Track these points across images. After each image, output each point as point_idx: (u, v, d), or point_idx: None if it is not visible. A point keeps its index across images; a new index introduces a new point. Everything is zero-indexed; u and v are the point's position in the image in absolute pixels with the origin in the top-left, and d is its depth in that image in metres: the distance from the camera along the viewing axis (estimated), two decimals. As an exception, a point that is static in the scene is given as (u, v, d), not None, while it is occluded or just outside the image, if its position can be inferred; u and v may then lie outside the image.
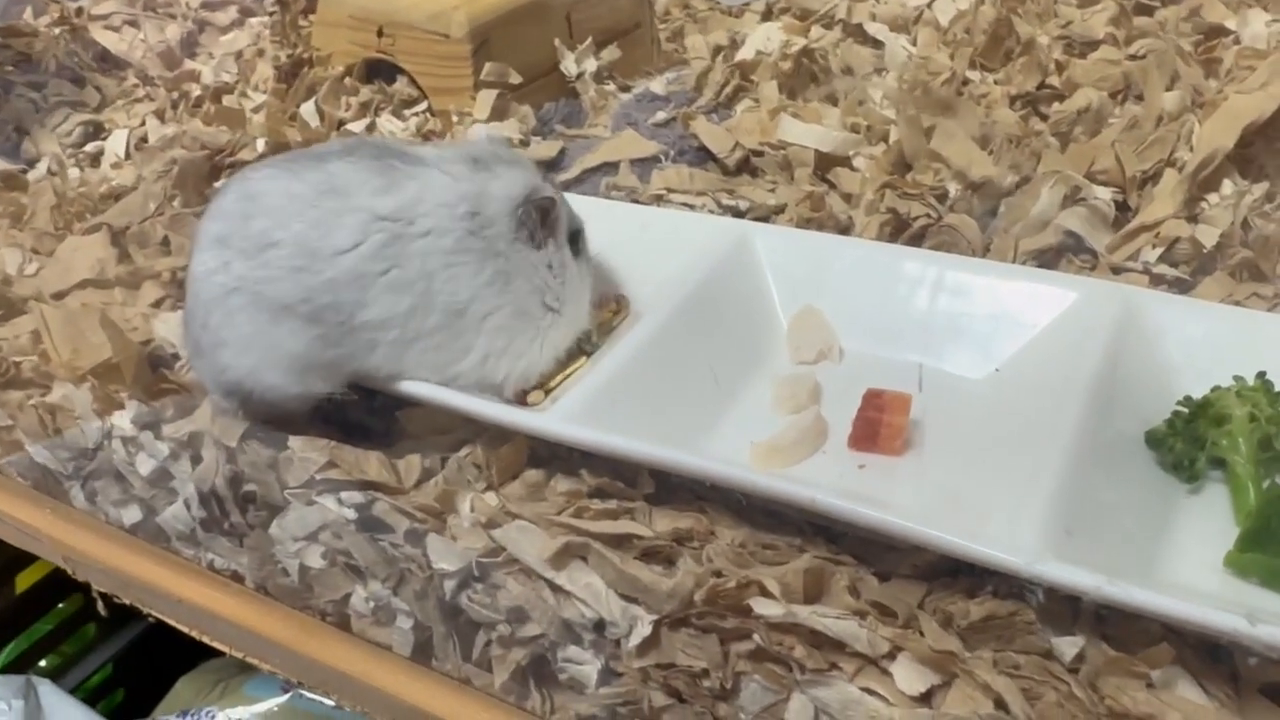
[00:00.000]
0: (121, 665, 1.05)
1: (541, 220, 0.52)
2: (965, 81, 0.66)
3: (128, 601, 0.60)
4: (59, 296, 0.62)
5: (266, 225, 0.49)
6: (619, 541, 0.42)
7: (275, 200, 0.49)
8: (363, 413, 0.52)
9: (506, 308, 0.50)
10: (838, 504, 0.40)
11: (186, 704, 0.94)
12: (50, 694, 0.91)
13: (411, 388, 0.49)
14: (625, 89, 0.90)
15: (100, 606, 0.62)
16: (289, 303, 0.48)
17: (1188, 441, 0.44)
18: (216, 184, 0.66)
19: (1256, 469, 0.43)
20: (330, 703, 0.86)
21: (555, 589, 0.43)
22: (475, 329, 0.50)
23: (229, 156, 0.69)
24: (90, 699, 1.02)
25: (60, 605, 1.05)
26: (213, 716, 0.92)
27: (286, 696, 0.91)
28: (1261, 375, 0.46)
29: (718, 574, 0.40)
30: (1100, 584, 0.35)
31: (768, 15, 0.98)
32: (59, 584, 0.99)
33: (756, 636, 0.39)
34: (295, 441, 0.48)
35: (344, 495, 0.47)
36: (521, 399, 0.52)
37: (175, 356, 0.56)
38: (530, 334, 0.51)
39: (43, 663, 1.06)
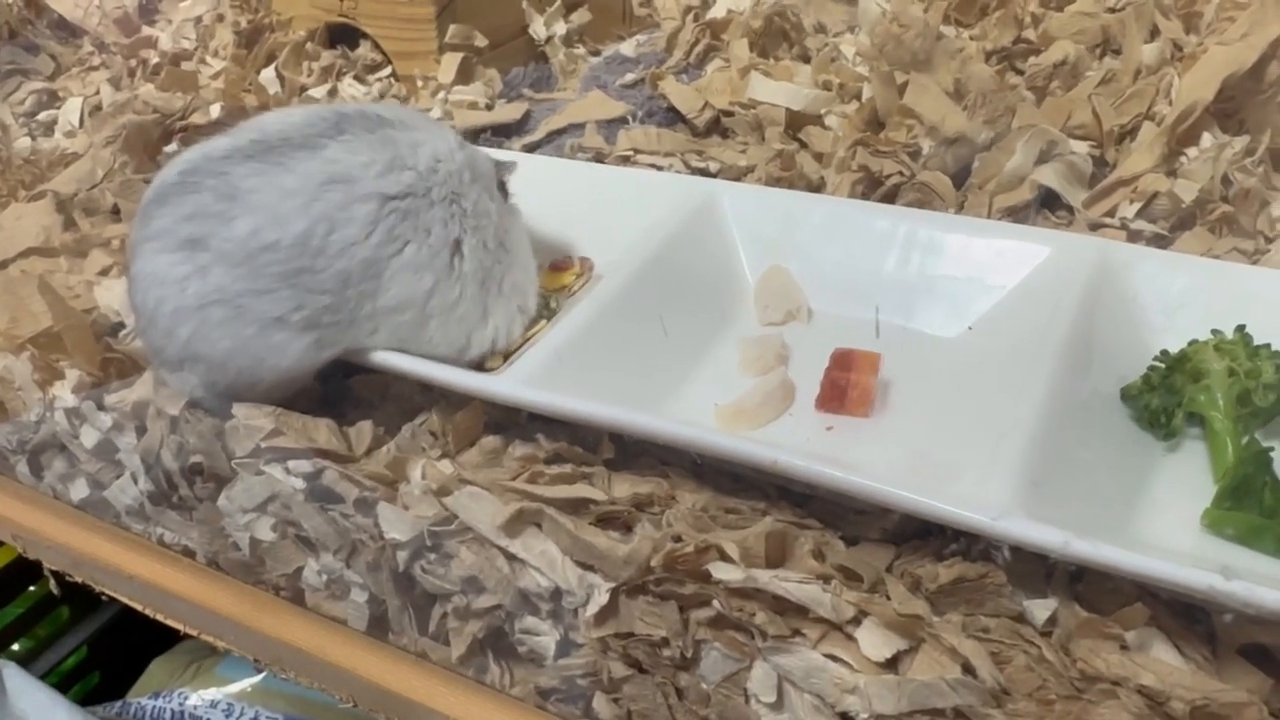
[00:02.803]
0: (96, 648, 1.04)
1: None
2: (939, 36, 0.64)
3: (79, 580, 0.58)
4: (1, 266, 0.59)
5: (257, 226, 0.44)
6: (574, 507, 0.40)
7: (266, 198, 0.45)
8: (313, 379, 0.50)
9: (515, 266, 0.49)
10: (798, 464, 0.38)
11: (159, 686, 0.92)
12: (15, 677, 0.89)
13: (373, 356, 0.47)
14: (596, 53, 0.88)
15: (52, 585, 0.60)
16: (281, 314, 0.45)
17: (1164, 397, 0.43)
18: (167, 149, 0.64)
19: (1235, 424, 0.42)
20: (305, 681, 0.85)
21: (510, 557, 0.41)
22: (496, 293, 0.48)
23: (180, 120, 0.67)
24: (64, 683, 1.01)
25: (31, 588, 1.03)
26: (185, 698, 0.91)
27: (260, 677, 0.90)
28: (1240, 329, 0.44)
29: (676, 539, 0.38)
30: (1068, 540, 0.34)
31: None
32: (29, 567, 0.97)
33: (716, 603, 0.38)
34: (240, 409, 0.46)
35: (292, 464, 0.45)
36: (478, 364, 0.50)
37: (120, 325, 0.54)
38: (533, 293, 0.50)
39: (15, 646, 1.04)
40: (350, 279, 0.45)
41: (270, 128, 0.48)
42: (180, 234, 0.45)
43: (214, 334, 0.45)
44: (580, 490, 0.40)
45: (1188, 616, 0.38)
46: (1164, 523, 0.40)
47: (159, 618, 0.55)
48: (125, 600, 0.56)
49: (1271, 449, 0.41)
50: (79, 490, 0.54)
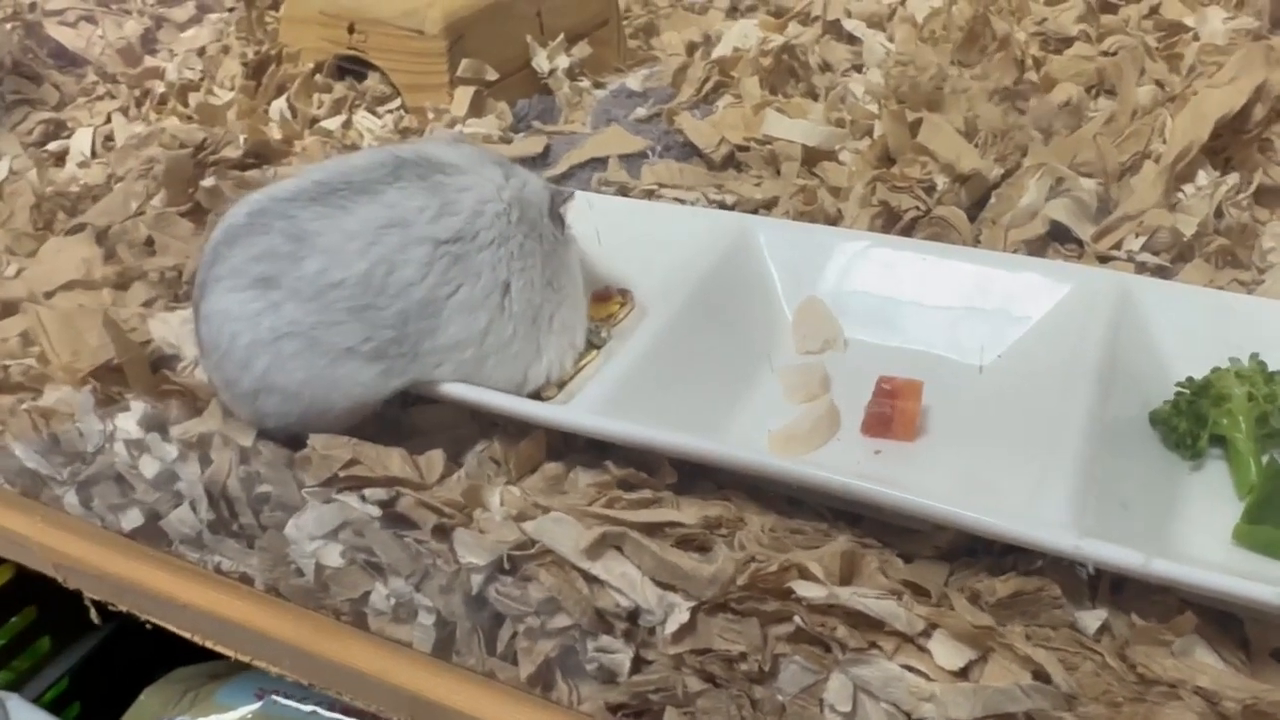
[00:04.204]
0: (78, 678, 1.03)
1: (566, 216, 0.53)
2: (945, 77, 0.68)
3: (124, 609, 0.58)
4: (45, 298, 0.60)
5: (324, 265, 0.47)
6: (654, 530, 0.42)
7: (331, 240, 0.47)
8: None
9: (565, 303, 0.51)
10: (888, 493, 0.41)
11: (154, 715, 0.92)
12: (19, 708, 0.89)
13: (444, 389, 0.49)
14: (598, 85, 0.90)
15: (94, 615, 0.61)
16: (351, 345, 0.47)
17: (1191, 421, 0.46)
18: (204, 183, 0.65)
19: (1256, 445, 0.45)
20: (306, 709, 0.85)
21: (590, 579, 0.43)
22: (546, 330, 0.50)
23: (212, 154, 0.68)
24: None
25: (13, 620, 1.03)
26: (185, 727, 0.91)
27: (260, 704, 0.90)
28: (1254, 357, 0.48)
29: (760, 559, 0.41)
30: (1148, 560, 0.37)
31: (733, 12, 0.99)
32: (10, 598, 0.97)
33: (797, 618, 0.40)
34: (317, 439, 0.47)
35: (368, 493, 0.47)
36: (536, 393, 0.52)
37: (176, 357, 0.55)
38: (582, 327, 0.52)
39: (-5, 678, 1.03)
40: (410, 317, 0.48)
41: (334, 169, 0.50)
42: (252, 272, 0.47)
43: (289, 365, 0.47)
44: (662, 514, 0.42)
45: (1221, 623, 0.41)
46: (1198, 537, 0.43)
47: (209, 645, 0.56)
48: (174, 629, 0.57)
49: (1290, 467, 0.45)
50: (132, 519, 0.55)
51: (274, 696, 0.87)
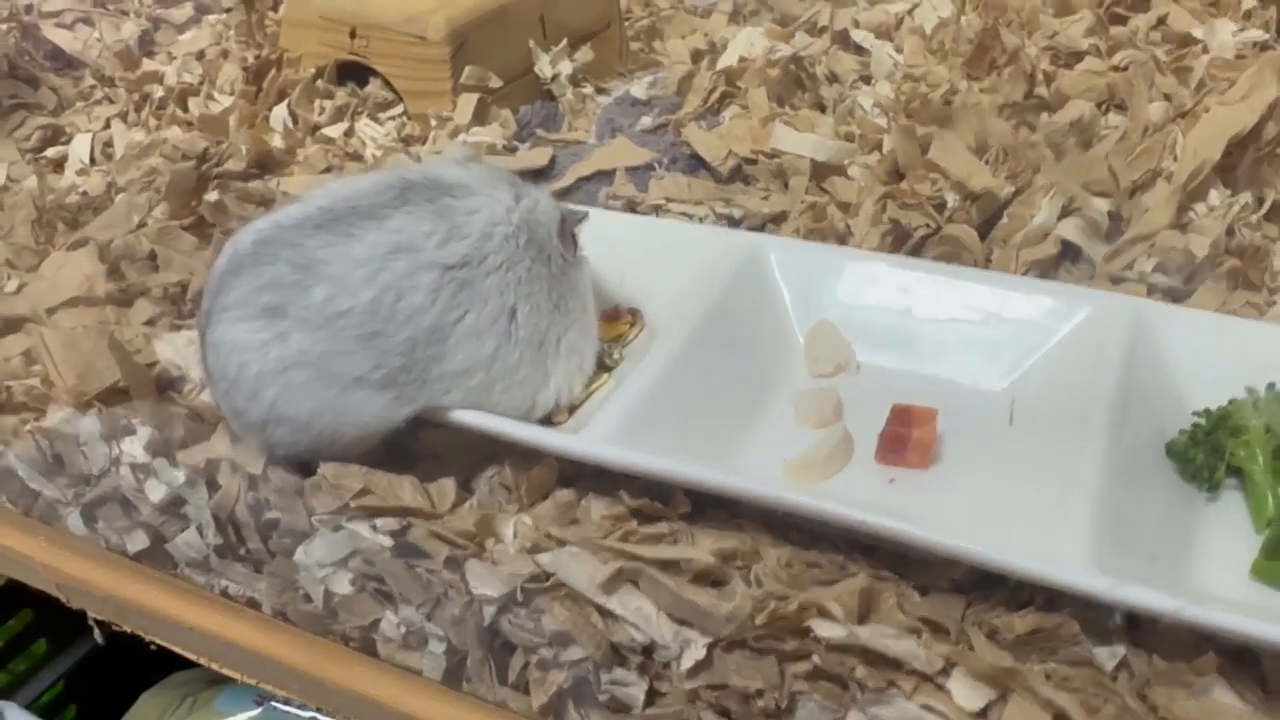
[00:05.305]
0: (74, 682, 1.03)
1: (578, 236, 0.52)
2: (955, 91, 0.67)
3: (128, 629, 0.58)
4: (47, 315, 0.59)
5: (331, 294, 0.46)
6: (670, 566, 0.42)
7: (338, 268, 0.46)
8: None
9: (574, 327, 0.51)
10: (917, 533, 0.41)
11: (153, 721, 0.92)
12: (18, 717, 0.88)
13: (453, 415, 0.49)
14: (600, 90, 0.90)
15: (98, 634, 0.60)
16: (360, 373, 0.46)
17: (1208, 453, 0.46)
18: (207, 196, 0.64)
19: (1274, 477, 0.45)
20: (306, 715, 0.85)
21: (605, 613, 0.43)
22: (554, 354, 0.50)
23: (216, 166, 0.67)
24: (41, 717, 0.99)
25: (9, 622, 1.02)
26: (182, 734, 0.90)
27: (259, 710, 0.90)
28: (1271, 386, 0.47)
29: (779, 597, 0.40)
30: (1180, 606, 0.37)
31: (735, 17, 0.98)
32: (6, 601, 0.96)
33: (815, 657, 0.40)
34: (328, 468, 0.47)
35: (380, 522, 0.46)
36: (546, 418, 0.52)
37: (182, 378, 0.55)
38: (592, 350, 0.52)
39: (-11, 681, 1.03)
40: (418, 344, 0.47)
41: (340, 194, 0.49)
42: (259, 302, 0.47)
43: (298, 395, 0.47)
44: (678, 550, 0.42)
45: (1238, 659, 0.41)
46: (1216, 572, 0.43)
47: (217, 668, 0.55)
48: (180, 650, 0.56)
49: (1307, 500, 0.45)
50: (137, 542, 0.55)
51: (274, 703, 0.87)
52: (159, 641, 0.57)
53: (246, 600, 0.53)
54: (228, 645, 0.53)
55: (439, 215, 0.48)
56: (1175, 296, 0.58)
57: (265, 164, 0.73)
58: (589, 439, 0.47)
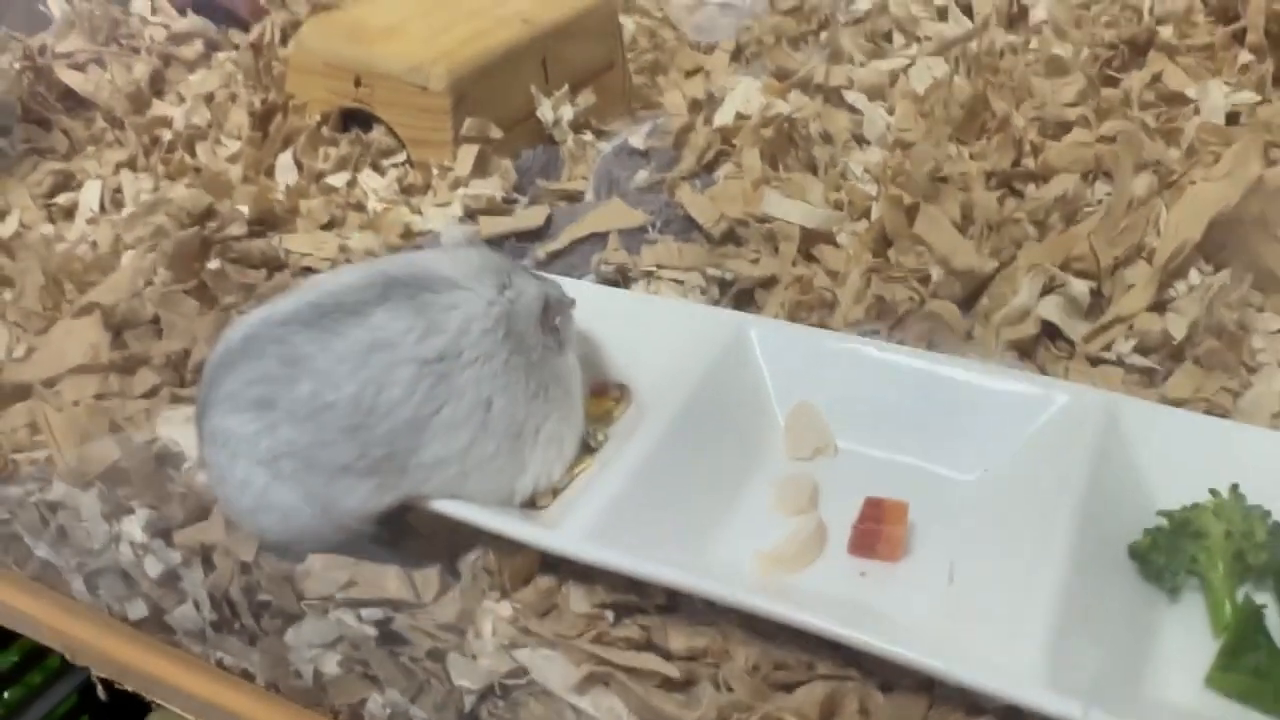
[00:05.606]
0: (86, 694, 1.05)
1: (562, 324, 0.53)
2: (947, 157, 0.68)
3: (129, 688, 0.60)
4: (51, 383, 0.61)
5: (317, 388, 0.48)
6: (639, 673, 0.44)
7: (323, 363, 0.48)
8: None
9: (553, 415, 0.52)
10: (876, 644, 0.42)
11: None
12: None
13: (433, 505, 0.50)
14: (600, 133, 0.91)
15: (100, 691, 0.63)
16: (346, 462, 0.48)
17: (1169, 557, 0.47)
18: (209, 264, 0.66)
19: (1232, 583, 0.46)
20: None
21: (577, 710, 0.44)
22: (531, 444, 0.51)
23: (218, 231, 0.69)
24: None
25: (24, 637, 1.05)
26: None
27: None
28: (1234, 489, 0.49)
29: (739, 706, 0.42)
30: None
31: (737, 55, 0.99)
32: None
33: (776, 765, 0.41)
34: (316, 560, 0.49)
35: (364, 613, 0.48)
36: (530, 501, 0.53)
37: (180, 456, 0.57)
38: (573, 437, 0.53)
39: (5, 695, 1.05)
40: (398, 435, 0.49)
41: (326, 290, 0.51)
42: (249, 395, 0.49)
43: (287, 484, 0.48)
44: (646, 660, 0.44)
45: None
46: (1174, 676, 0.45)
47: (214, 732, 0.57)
48: (179, 711, 0.58)
49: (1264, 606, 0.46)
50: (137, 610, 0.57)
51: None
52: (160, 702, 0.59)
53: (241, 671, 0.55)
54: (223, 713, 0.55)
55: (418, 311, 0.50)
56: (1153, 379, 0.59)
57: (268, 220, 0.75)
58: (563, 535, 0.48)
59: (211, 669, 0.56)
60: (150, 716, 0.96)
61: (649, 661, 0.44)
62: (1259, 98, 0.76)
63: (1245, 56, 0.82)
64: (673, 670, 0.43)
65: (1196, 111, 0.76)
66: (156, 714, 0.96)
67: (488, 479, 0.51)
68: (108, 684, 0.62)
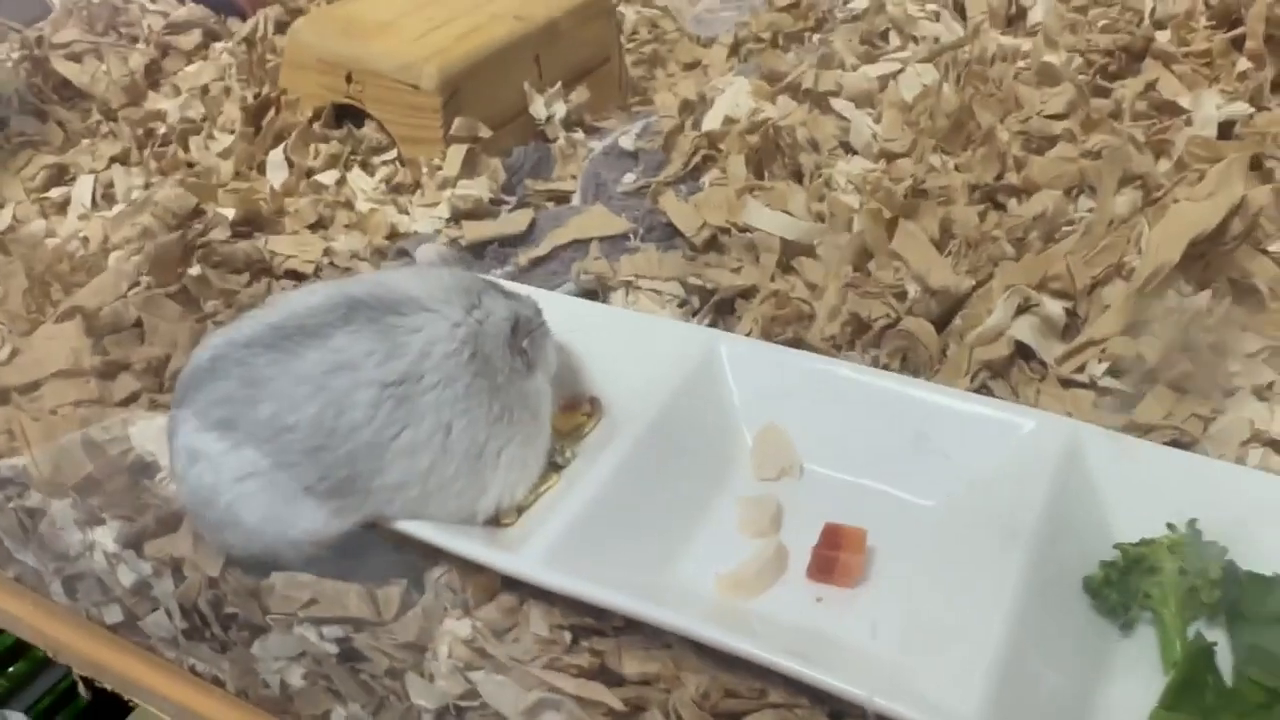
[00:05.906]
0: (72, 686, 1.07)
1: (531, 345, 0.54)
2: (922, 182, 0.68)
3: (109, 687, 0.62)
4: (32, 388, 0.62)
5: (277, 410, 0.49)
6: (589, 702, 0.44)
7: (282, 385, 0.49)
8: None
9: (516, 438, 0.52)
10: (819, 678, 0.43)
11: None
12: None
13: (397, 525, 0.51)
14: (593, 130, 0.91)
15: (81, 689, 0.64)
16: (308, 484, 0.49)
17: (1122, 592, 0.47)
18: (191, 270, 0.67)
19: (1183, 620, 0.47)
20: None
21: (529, 733, 0.45)
22: (492, 466, 0.52)
23: (203, 235, 0.69)
24: (45, 716, 1.04)
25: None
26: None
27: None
28: (1192, 523, 0.49)
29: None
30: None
31: (736, 50, 0.99)
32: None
33: (718, 797, 0.42)
34: (279, 578, 0.50)
35: (326, 631, 0.49)
36: (494, 518, 0.54)
37: (154, 465, 0.57)
38: (537, 458, 0.53)
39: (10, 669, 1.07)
40: (359, 457, 0.50)
41: (290, 311, 0.51)
42: (214, 416, 0.49)
43: (251, 503, 0.49)
44: (595, 691, 0.44)
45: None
46: (1122, 712, 0.45)
47: (188, 733, 0.59)
48: (156, 711, 0.60)
49: (1215, 644, 0.46)
50: (113, 615, 0.58)
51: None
52: (137, 700, 0.61)
53: (212, 678, 0.56)
54: (195, 716, 0.57)
55: (381, 334, 0.50)
56: (1125, 401, 0.59)
57: (255, 222, 0.75)
58: (520, 558, 0.49)
59: (186, 676, 0.57)
60: (132, 716, 0.97)
61: (597, 692, 0.44)
62: (1252, 110, 0.75)
63: (1243, 64, 0.81)
64: (617, 702, 0.44)
65: (1188, 123, 0.75)
66: (138, 713, 0.98)
67: (449, 500, 0.51)
68: (88, 682, 0.63)
